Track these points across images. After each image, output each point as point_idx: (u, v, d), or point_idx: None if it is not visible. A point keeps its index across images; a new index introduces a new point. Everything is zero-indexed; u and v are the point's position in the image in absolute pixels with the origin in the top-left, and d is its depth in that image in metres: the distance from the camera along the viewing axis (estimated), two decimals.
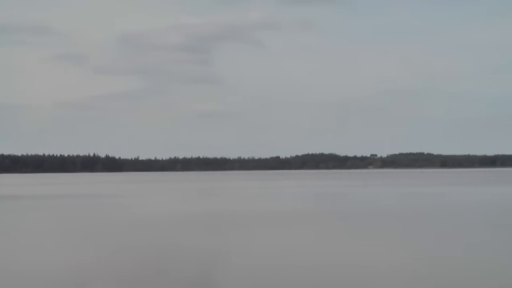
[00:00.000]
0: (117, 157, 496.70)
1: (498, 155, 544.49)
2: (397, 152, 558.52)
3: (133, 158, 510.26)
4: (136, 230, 42.04)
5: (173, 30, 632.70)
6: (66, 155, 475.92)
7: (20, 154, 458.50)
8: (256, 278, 23.63)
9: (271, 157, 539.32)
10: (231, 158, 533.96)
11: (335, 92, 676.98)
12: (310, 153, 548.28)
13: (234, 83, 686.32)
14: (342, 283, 22.65)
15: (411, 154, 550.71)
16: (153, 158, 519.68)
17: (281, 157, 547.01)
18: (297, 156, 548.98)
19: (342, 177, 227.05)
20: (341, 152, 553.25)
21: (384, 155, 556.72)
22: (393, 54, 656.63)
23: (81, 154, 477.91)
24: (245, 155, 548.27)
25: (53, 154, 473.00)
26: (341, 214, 54.74)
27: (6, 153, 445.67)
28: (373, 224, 44.71)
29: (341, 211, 58.06)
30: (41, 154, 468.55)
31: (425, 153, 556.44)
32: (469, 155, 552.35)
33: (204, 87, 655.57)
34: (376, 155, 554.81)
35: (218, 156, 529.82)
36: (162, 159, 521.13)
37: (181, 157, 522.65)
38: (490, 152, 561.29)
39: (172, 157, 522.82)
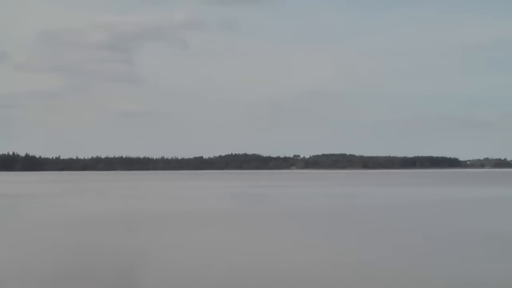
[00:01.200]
0: (37, 156, 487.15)
1: (418, 156, 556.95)
2: (320, 153, 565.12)
3: (54, 157, 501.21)
4: (53, 231, 41.57)
5: (96, 28, 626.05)
6: None
7: None
8: (174, 277, 23.80)
9: (194, 157, 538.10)
10: (154, 158, 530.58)
11: (259, 93, 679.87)
12: (233, 153, 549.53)
13: (158, 82, 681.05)
14: (256, 282, 22.92)
15: (333, 155, 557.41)
16: (75, 157, 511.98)
17: (204, 157, 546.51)
18: (220, 156, 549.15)
19: (264, 177, 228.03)
20: (265, 152, 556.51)
21: (307, 156, 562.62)
22: (316, 56, 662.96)
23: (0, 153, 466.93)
24: (168, 155, 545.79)
25: None
26: (257, 214, 55.14)
27: None
28: (289, 224, 45.20)
29: (258, 211, 58.48)
30: None
31: (347, 154, 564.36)
32: (390, 156, 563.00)
33: (127, 86, 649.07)
34: (299, 156, 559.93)
35: (141, 156, 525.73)
36: (84, 158, 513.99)
37: (103, 156, 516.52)
38: (410, 153, 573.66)
39: (94, 156, 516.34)
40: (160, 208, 62.34)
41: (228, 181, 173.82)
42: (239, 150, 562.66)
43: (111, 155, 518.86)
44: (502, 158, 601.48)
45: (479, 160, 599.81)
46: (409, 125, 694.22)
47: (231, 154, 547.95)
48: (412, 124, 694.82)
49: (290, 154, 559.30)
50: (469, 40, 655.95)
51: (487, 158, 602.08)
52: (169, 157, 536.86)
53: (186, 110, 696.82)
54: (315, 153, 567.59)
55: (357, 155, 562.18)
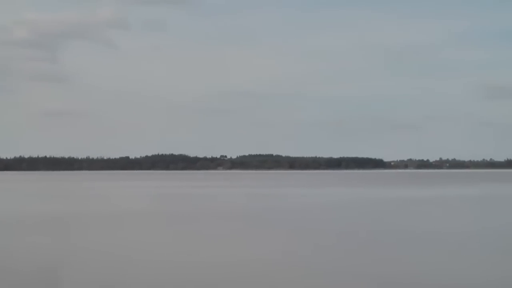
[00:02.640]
0: None
1: (343, 157, 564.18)
2: (246, 154, 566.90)
3: None
4: None
5: (19, 26, 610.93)
6: None
7: None
8: (95, 276, 23.46)
9: (120, 157, 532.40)
10: (79, 158, 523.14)
11: (185, 93, 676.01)
12: (160, 153, 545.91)
13: (83, 81, 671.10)
14: (172, 281, 22.79)
15: (260, 155, 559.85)
16: None
17: (130, 157, 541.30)
18: (147, 156, 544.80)
19: (190, 178, 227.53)
20: (192, 153, 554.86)
21: (234, 157, 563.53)
22: (244, 56, 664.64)
23: None
24: (94, 155, 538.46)
25: None
26: (179, 214, 54.95)
27: None
28: (209, 224, 45.16)
29: (180, 211, 58.26)
30: None
31: (274, 155, 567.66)
32: (316, 157, 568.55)
33: (51, 85, 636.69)
34: (226, 156, 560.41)
35: (66, 156, 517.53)
36: (6, 158, 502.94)
37: (26, 156, 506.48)
38: (336, 154, 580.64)
39: (17, 156, 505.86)
40: (83, 209, 61.49)
41: (153, 181, 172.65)
42: (166, 151, 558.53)
43: (34, 155, 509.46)
44: (425, 159, 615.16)
45: (403, 161, 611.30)
46: (335, 126, 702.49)
47: (158, 154, 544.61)
48: (338, 125, 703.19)
49: (217, 154, 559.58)
50: (393, 44, 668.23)
51: (410, 159, 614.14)
52: (95, 157, 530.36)
53: (111, 110, 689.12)
54: (242, 154, 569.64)
55: (283, 155, 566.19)
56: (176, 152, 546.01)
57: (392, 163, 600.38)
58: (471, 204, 70.34)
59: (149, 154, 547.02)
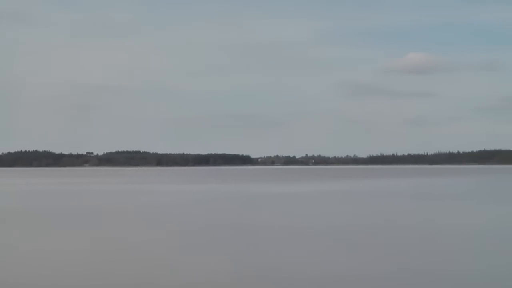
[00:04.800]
0: None
1: (211, 154, 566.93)
2: (113, 150, 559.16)
3: None
4: None
5: None
6: None
7: None
8: None
9: None
10: None
11: (49, 88, 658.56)
12: (22, 150, 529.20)
13: None
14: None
15: (127, 152, 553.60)
16: None
17: None
18: (9, 153, 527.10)
19: (54, 174, 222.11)
20: (56, 149, 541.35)
21: (101, 153, 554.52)
22: (109, 51, 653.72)
23: None
24: None
25: None
26: (44, 212, 53.42)
27: None
28: (75, 222, 44.16)
29: (44, 209, 56.67)
30: None
31: (142, 151, 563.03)
32: (183, 153, 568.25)
33: None
34: (92, 153, 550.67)
35: None
36: None
37: None
38: (204, 151, 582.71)
39: None
40: None
41: (14, 179, 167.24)
42: (29, 147, 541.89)
43: None
44: (291, 156, 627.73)
45: (270, 157, 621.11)
46: (203, 122, 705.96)
47: (21, 151, 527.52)
48: (205, 121, 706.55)
49: (83, 151, 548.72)
50: (260, 41, 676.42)
51: (277, 156, 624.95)
52: None
53: None
54: (109, 150, 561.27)
55: (151, 152, 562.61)
56: (40, 149, 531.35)
57: (259, 160, 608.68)
58: (331, 199, 72.14)
59: (11, 151, 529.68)
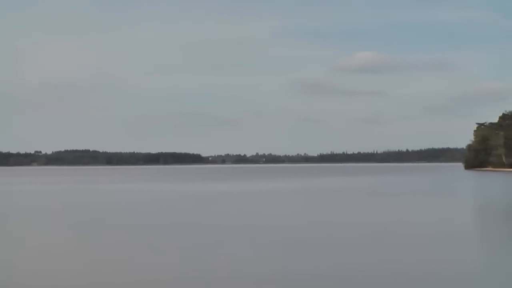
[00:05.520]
0: None
1: (162, 152, 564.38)
2: (62, 149, 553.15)
3: None
4: None
5: None
6: None
7: None
8: None
9: None
10: None
11: None
12: None
13: None
14: None
15: (77, 151, 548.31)
16: None
17: None
18: None
19: (2, 174, 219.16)
20: (4, 149, 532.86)
21: (49, 152, 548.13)
22: (58, 49, 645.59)
23: None
24: None
25: None
26: None
27: None
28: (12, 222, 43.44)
29: None
30: None
31: (91, 150, 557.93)
32: (134, 152, 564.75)
33: None
34: (40, 152, 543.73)
35: None
36: None
37: None
38: (154, 150, 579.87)
39: None
40: None
41: None
42: None
43: None
44: (242, 154, 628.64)
45: (220, 156, 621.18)
46: (153, 121, 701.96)
47: None
48: (156, 120, 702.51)
49: (31, 150, 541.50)
50: (212, 39, 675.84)
51: (228, 154, 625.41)
52: None
53: None
54: (58, 149, 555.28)
55: (101, 151, 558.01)
56: None
57: (210, 158, 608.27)
58: (278, 197, 72.27)
59: None
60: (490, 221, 42.76)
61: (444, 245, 29.08)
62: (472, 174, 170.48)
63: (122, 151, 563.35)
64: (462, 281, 20.82)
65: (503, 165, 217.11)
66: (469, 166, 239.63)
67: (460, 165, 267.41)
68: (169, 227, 38.26)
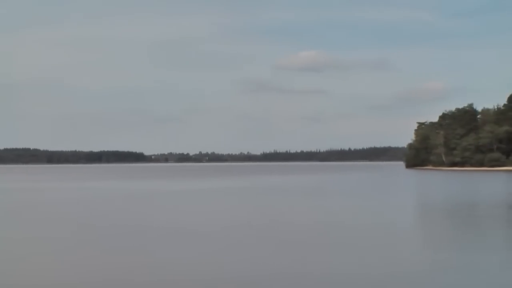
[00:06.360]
0: None
1: (104, 151, 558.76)
2: (2, 148, 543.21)
3: None
4: None
5: None
6: None
7: None
8: None
9: None
10: None
11: None
12: None
13: None
14: None
15: (16, 149, 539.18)
16: None
17: None
18: None
19: None
20: None
21: None
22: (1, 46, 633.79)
23: None
24: None
25: None
26: None
27: None
28: None
29: None
30: None
31: (32, 148, 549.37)
32: (75, 151, 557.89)
33: None
34: None
35: None
36: None
37: None
38: (96, 148, 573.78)
39: None
40: None
41: None
42: None
43: None
44: (185, 153, 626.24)
45: (163, 154, 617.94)
46: (95, 119, 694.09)
47: None
48: (98, 118, 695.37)
49: None
50: (156, 37, 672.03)
51: (171, 153, 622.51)
52: None
53: None
54: None
55: (41, 149, 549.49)
56: None
57: (153, 157, 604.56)
58: (218, 196, 71.52)
59: None
60: (428, 219, 42.62)
61: (383, 244, 28.57)
62: (412, 173, 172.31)
63: (64, 150, 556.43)
64: (399, 282, 20.25)
65: (443, 164, 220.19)
66: (410, 164, 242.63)
67: (402, 164, 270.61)
68: (106, 228, 36.97)
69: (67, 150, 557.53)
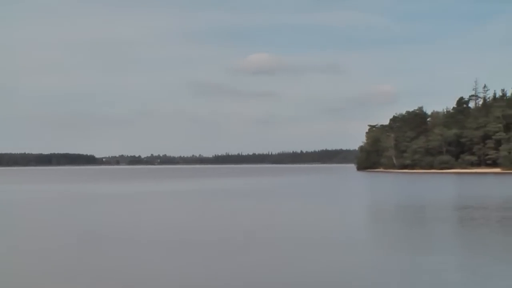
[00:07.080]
0: None
1: (54, 153, 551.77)
2: None
3: None
4: None
5: None
6: None
7: None
8: None
9: None
10: None
11: None
12: None
13: None
14: None
15: None
16: None
17: None
18: None
19: None
20: None
21: None
22: None
23: None
24: None
25: None
26: None
27: None
28: None
29: None
30: None
31: None
32: (25, 153, 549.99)
33: None
34: None
35: None
36: None
37: None
38: (46, 151, 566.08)
39: None
40: None
41: None
42: None
43: None
44: (137, 155, 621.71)
45: (114, 157, 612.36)
46: (45, 121, 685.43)
47: None
48: (47, 120, 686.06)
49: None
50: (105, 39, 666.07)
51: (122, 155, 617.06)
52: None
53: None
54: None
55: None
56: None
57: (104, 159, 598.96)
58: (166, 199, 70.47)
59: None
60: (375, 221, 42.31)
61: (333, 246, 27.94)
62: (363, 175, 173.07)
63: (13, 152, 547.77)
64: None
65: (393, 166, 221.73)
66: (361, 167, 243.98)
67: (353, 166, 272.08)
68: (53, 233, 35.80)
69: (16, 152, 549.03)
